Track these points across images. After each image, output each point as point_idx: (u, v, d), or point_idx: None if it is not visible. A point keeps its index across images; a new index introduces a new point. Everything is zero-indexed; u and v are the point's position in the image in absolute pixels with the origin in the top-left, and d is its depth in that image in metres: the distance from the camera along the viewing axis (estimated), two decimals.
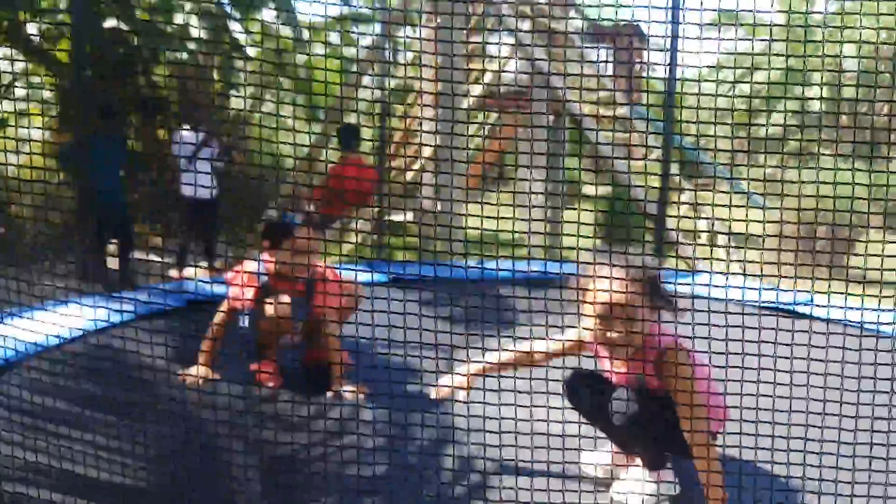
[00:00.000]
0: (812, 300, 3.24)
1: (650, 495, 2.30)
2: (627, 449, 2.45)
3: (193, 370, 3.00)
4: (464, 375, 2.39)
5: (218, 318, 3.08)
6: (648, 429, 2.29)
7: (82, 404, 2.57)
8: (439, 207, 5.98)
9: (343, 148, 6.47)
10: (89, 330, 3.10)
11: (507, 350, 2.41)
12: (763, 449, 2.12)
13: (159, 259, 6.70)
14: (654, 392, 2.21)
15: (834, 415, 1.94)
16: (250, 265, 3.21)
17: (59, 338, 3.08)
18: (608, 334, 2.17)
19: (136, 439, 2.29)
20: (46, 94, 7.39)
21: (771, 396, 1.91)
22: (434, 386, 2.33)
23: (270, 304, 3.06)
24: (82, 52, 5.96)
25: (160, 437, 2.40)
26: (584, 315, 2.24)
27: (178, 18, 7.84)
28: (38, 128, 7.07)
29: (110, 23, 7.53)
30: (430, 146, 6.85)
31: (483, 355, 2.30)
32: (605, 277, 2.12)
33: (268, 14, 9.15)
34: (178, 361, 2.53)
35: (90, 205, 5.91)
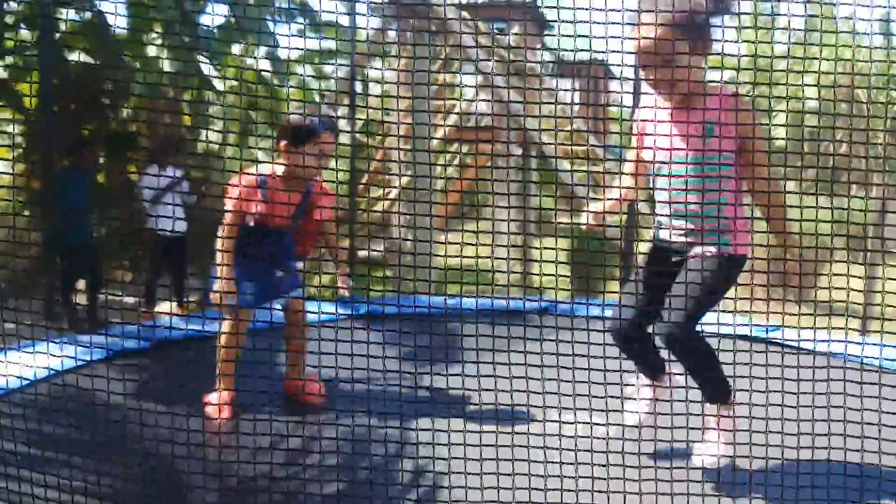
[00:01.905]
0: (779, 328, 3.30)
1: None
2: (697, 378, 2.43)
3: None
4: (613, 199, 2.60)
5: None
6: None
7: (48, 445, 2.51)
8: (409, 243, 5.98)
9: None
10: (56, 371, 3.03)
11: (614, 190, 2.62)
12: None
13: (128, 297, 6.60)
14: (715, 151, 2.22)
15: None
16: (248, 178, 3.10)
17: (26, 379, 3.01)
18: (653, 75, 2.21)
19: (102, 480, 2.24)
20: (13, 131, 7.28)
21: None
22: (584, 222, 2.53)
23: (228, 319, 3.04)
24: (49, 87, 5.90)
25: (129, 477, 2.35)
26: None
27: (150, 52, 7.80)
28: (7, 172, 6.97)
29: (80, 57, 7.48)
30: (399, 184, 6.87)
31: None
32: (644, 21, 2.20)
33: (237, 49, 9.15)
34: (148, 401, 2.50)
35: (57, 242, 5.81)
